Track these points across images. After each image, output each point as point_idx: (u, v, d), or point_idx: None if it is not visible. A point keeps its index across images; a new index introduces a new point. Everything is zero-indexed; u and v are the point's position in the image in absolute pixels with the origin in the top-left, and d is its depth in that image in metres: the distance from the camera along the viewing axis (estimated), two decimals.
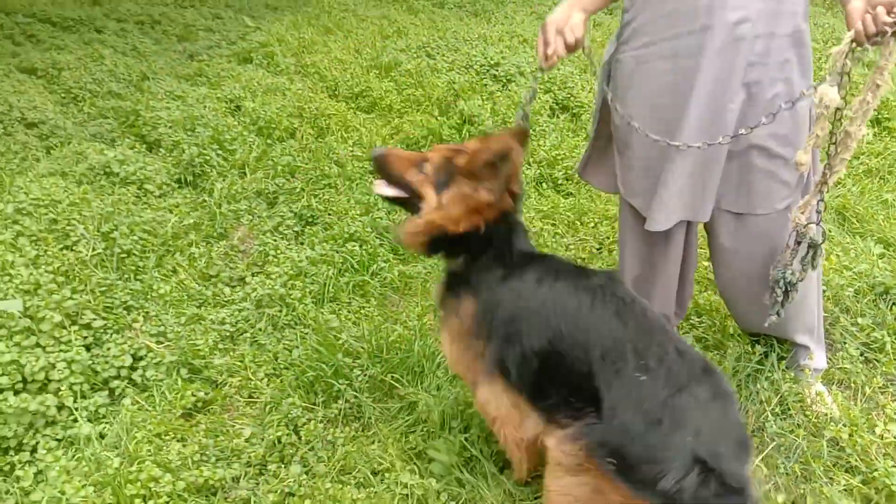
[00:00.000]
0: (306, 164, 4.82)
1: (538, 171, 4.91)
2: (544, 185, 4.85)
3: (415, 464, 2.58)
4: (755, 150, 2.34)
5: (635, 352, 1.90)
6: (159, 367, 3.01)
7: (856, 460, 2.50)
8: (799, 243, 2.32)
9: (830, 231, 4.04)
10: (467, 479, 2.47)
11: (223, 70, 6.87)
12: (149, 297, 3.45)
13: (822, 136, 2.13)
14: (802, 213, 2.29)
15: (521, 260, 2.20)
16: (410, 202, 2.27)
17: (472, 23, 8.83)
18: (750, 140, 2.30)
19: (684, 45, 2.24)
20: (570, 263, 2.24)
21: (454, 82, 6.22)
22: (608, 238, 4.14)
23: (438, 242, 2.25)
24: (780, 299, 2.43)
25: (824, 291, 3.38)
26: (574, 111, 5.93)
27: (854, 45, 1.97)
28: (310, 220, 4.25)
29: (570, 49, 2.39)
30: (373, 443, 2.68)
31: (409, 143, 5.36)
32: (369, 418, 2.80)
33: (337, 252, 3.77)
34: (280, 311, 3.34)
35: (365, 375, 2.93)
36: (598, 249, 4.08)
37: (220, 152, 4.95)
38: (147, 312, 3.34)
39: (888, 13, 1.85)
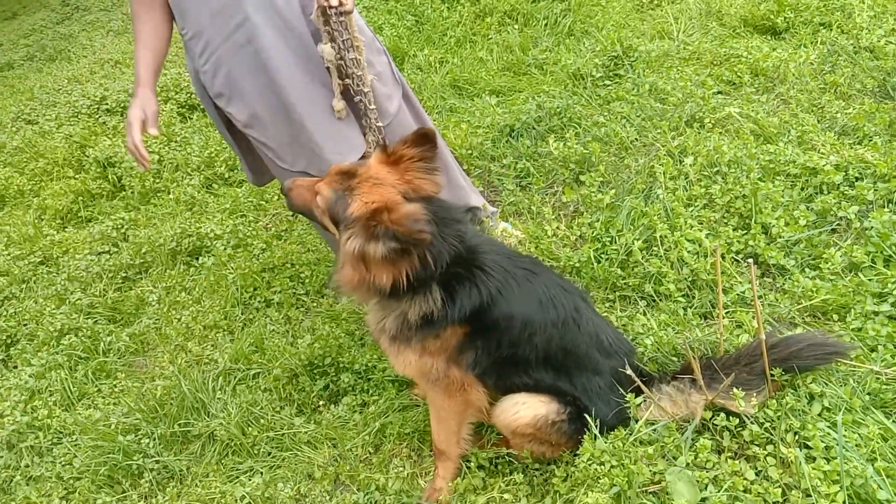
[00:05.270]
0: None
1: (202, 176, 4.97)
2: (215, 185, 4.94)
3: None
4: None
5: None
6: None
7: (544, 256, 3.18)
8: None
9: (455, 104, 4.73)
10: None
11: None
12: None
13: (340, 83, 2.58)
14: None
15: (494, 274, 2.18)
16: (324, 227, 2.22)
17: (54, 69, 8.23)
18: None
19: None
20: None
21: (71, 136, 5.90)
22: None
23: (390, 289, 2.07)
24: None
25: (469, 153, 4.04)
26: (203, 107, 5.96)
27: (320, 12, 2.42)
28: (8, 341, 3.96)
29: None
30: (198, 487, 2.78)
31: (61, 216, 5.08)
32: (180, 471, 2.88)
33: (57, 354, 3.61)
34: (38, 438, 3.18)
35: (153, 438, 2.98)
36: (293, 215, 4.34)
37: None
38: None
39: None
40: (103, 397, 3.38)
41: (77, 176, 5.38)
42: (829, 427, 2.10)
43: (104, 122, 6.07)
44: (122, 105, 6.27)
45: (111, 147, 5.42)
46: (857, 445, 2.05)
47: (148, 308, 3.92)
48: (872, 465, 1.98)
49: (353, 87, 2.59)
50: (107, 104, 6.33)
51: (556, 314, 2.26)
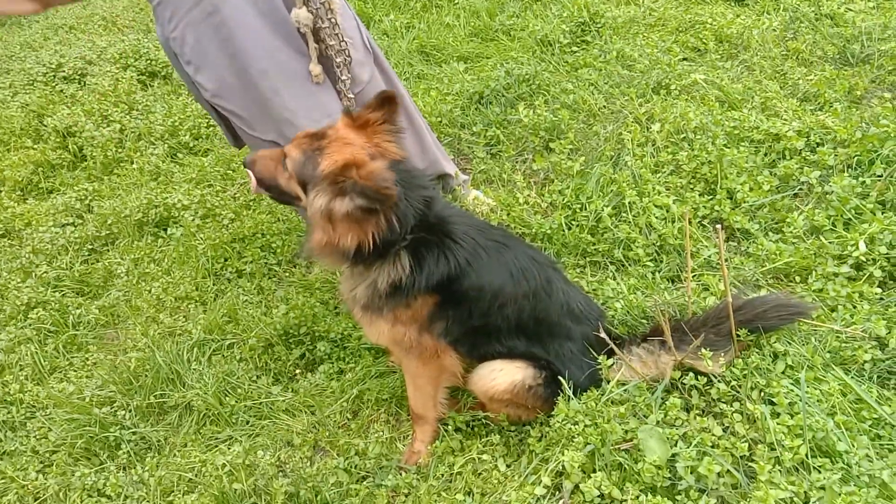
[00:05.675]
0: None
1: (166, 146, 4.89)
2: (179, 154, 4.86)
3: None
4: None
5: None
6: None
7: (516, 224, 3.23)
8: None
9: (423, 71, 4.70)
10: None
11: None
12: None
13: (317, 48, 2.56)
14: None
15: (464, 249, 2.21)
16: (289, 200, 2.25)
17: (4, 34, 7.94)
18: None
19: None
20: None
21: (27, 104, 5.73)
22: None
23: (357, 253, 2.10)
24: None
25: (438, 121, 4.03)
26: (164, 74, 5.85)
27: None
28: None
29: None
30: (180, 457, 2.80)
31: (21, 187, 4.95)
32: (158, 441, 2.89)
33: (25, 328, 3.56)
34: (10, 413, 3.15)
35: (129, 410, 2.98)
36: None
37: None
38: None
39: None
40: (75, 370, 3.36)
41: (36, 146, 5.24)
42: (792, 384, 2.19)
43: (62, 91, 5.89)
44: (79, 72, 6.09)
45: (71, 116, 5.28)
46: (818, 401, 2.15)
47: (116, 280, 3.87)
48: (833, 418, 2.09)
49: (333, 50, 2.58)
50: (63, 71, 6.14)
51: (527, 285, 2.31)
